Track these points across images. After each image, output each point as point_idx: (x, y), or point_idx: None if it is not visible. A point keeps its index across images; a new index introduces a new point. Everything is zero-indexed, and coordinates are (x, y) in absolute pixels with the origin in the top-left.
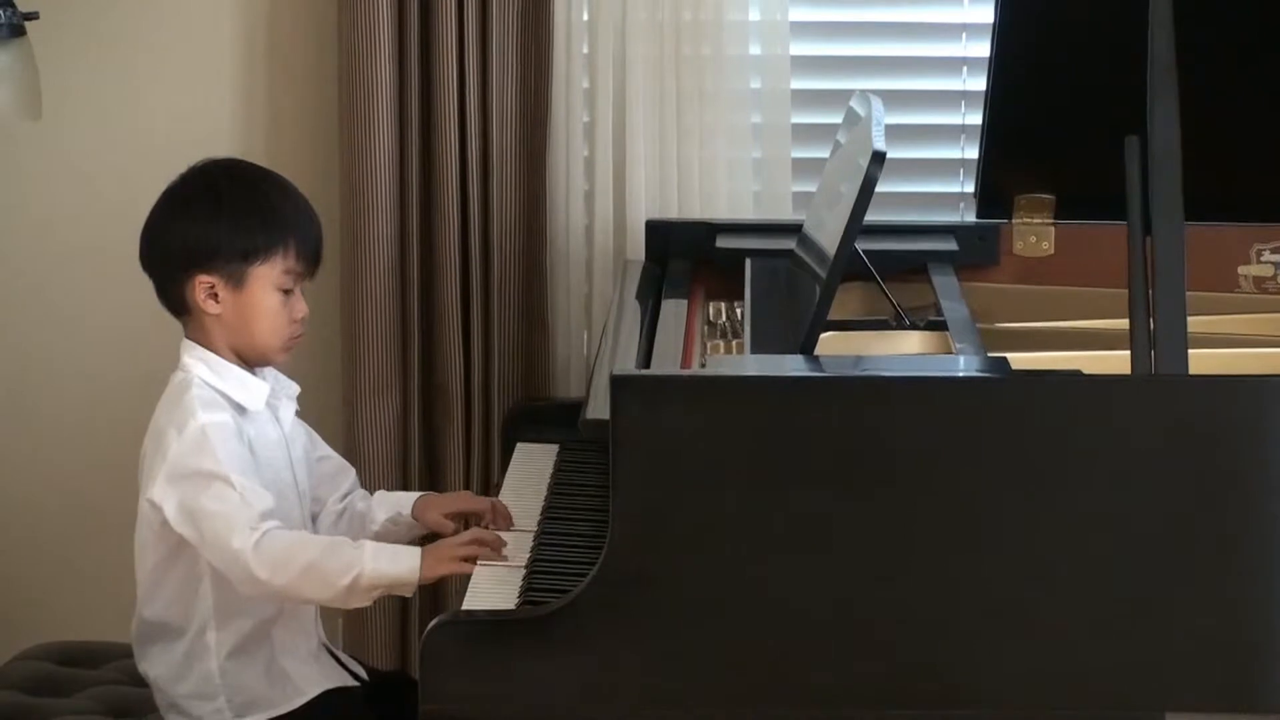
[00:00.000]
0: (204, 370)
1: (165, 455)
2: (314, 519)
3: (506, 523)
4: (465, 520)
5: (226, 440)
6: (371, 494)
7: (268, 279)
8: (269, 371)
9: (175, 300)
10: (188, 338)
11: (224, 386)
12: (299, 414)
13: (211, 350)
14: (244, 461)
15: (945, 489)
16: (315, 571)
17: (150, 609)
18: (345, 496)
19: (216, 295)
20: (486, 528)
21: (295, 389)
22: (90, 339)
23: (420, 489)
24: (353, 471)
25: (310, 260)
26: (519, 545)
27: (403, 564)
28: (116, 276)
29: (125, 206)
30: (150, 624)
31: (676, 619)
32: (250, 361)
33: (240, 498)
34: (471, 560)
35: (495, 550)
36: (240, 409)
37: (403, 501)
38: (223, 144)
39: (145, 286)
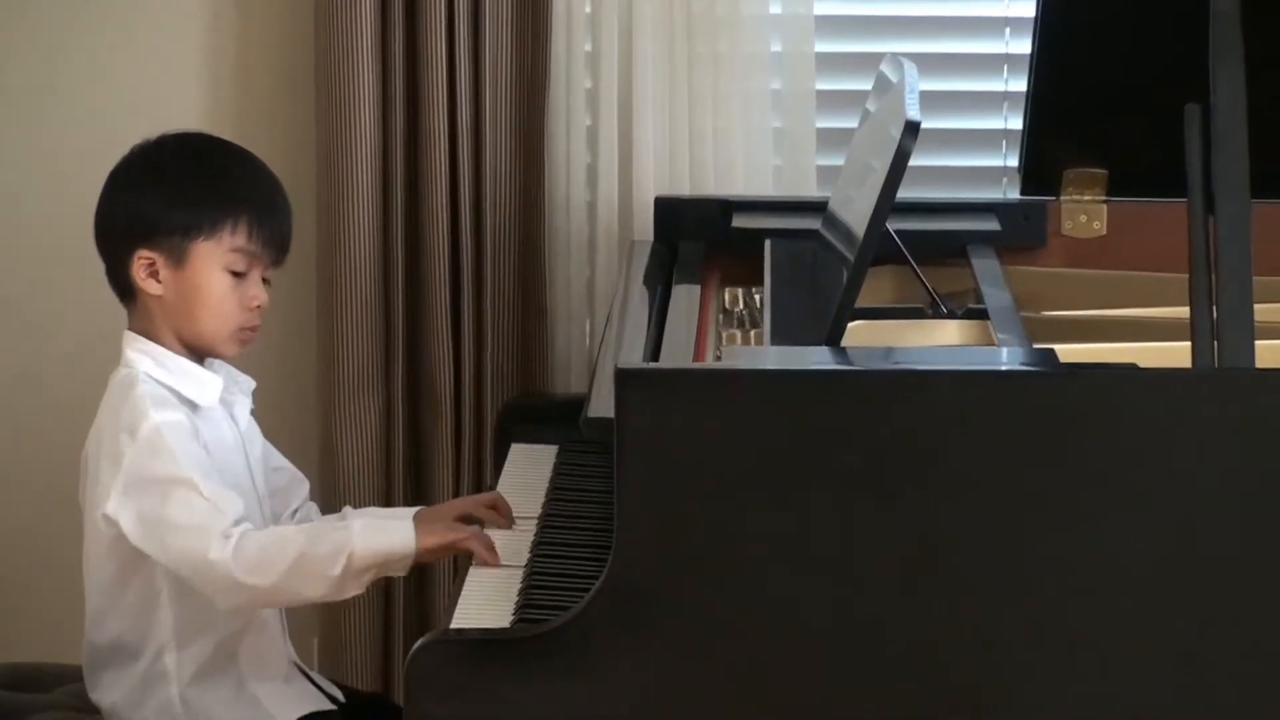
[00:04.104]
0: (149, 364)
1: (119, 464)
2: None
3: (507, 521)
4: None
5: (184, 441)
6: (335, 510)
7: (212, 257)
8: (221, 365)
9: (121, 281)
10: (130, 329)
11: (171, 381)
12: (254, 412)
13: (156, 340)
14: (204, 463)
15: (984, 494)
16: (305, 563)
17: (101, 631)
18: (296, 511)
19: (157, 273)
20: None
21: (250, 384)
22: (45, 340)
23: (405, 495)
24: (306, 484)
25: (269, 243)
26: (514, 555)
27: (396, 536)
28: (77, 266)
29: (90, 193)
30: (102, 648)
31: (688, 638)
32: (198, 352)
33: (210, 505)
34: (469, 539)
35: (491, 560)
36: (192, 406)
37: (401, 513)
38: (190, 120)
39: (105, 281)
